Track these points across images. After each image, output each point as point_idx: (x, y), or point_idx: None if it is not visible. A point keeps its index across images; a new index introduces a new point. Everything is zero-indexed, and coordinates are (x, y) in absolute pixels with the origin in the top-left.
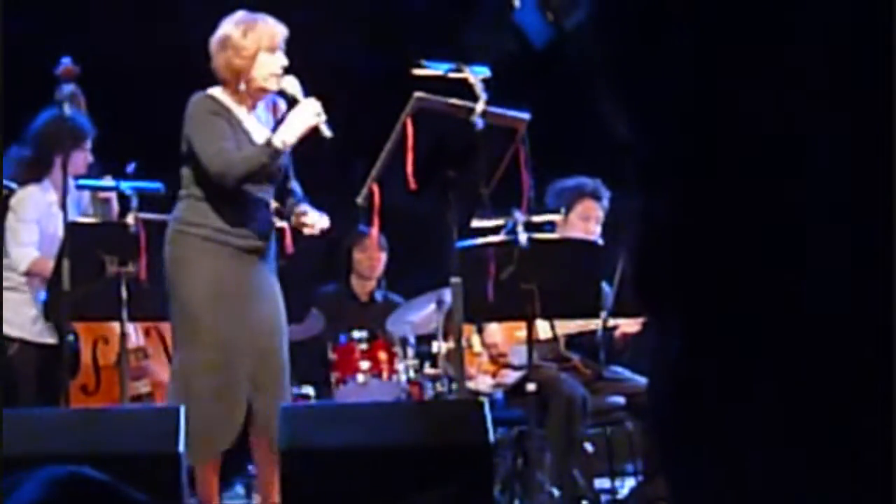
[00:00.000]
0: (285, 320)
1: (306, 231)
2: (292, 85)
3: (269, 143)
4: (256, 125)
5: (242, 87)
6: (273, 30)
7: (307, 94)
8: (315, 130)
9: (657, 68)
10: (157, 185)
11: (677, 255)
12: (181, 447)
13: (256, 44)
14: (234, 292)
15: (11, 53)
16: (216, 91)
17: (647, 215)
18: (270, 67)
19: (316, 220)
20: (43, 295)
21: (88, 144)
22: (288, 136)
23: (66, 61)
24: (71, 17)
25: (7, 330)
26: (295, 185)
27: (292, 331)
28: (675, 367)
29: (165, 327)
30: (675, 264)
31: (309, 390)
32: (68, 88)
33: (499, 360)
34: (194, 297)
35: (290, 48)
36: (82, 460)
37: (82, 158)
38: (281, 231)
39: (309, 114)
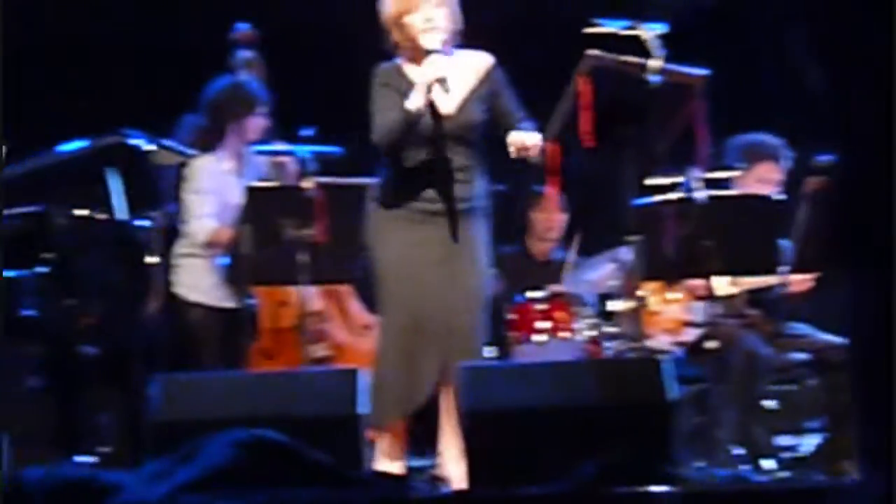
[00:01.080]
0: (484, 281)
1: (524, 154)
2: (430, 42)
3: (404, 109)
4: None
5: (406, 51)
6: None
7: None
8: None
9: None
10: (335, 148)
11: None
12: (359, 409)
13: (396, 8)
14: (422, 257)
15: (188, 21)
16: (398, 59)
17: (849, 169)
18: (415, 28)
19: (524, 141)
20: (224, 260)
21: (263, 110)
22: (415, 97)
23: (244, 27)
24: None
25: (189, 295)
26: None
27: None
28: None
29: (344, 290)
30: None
31: (488, 351)
32: (245, 54)
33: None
34: (382, 263)
35: (465, 8)
36: (263, 423)
37: (257, 125)
38: None
39: (427, 75)
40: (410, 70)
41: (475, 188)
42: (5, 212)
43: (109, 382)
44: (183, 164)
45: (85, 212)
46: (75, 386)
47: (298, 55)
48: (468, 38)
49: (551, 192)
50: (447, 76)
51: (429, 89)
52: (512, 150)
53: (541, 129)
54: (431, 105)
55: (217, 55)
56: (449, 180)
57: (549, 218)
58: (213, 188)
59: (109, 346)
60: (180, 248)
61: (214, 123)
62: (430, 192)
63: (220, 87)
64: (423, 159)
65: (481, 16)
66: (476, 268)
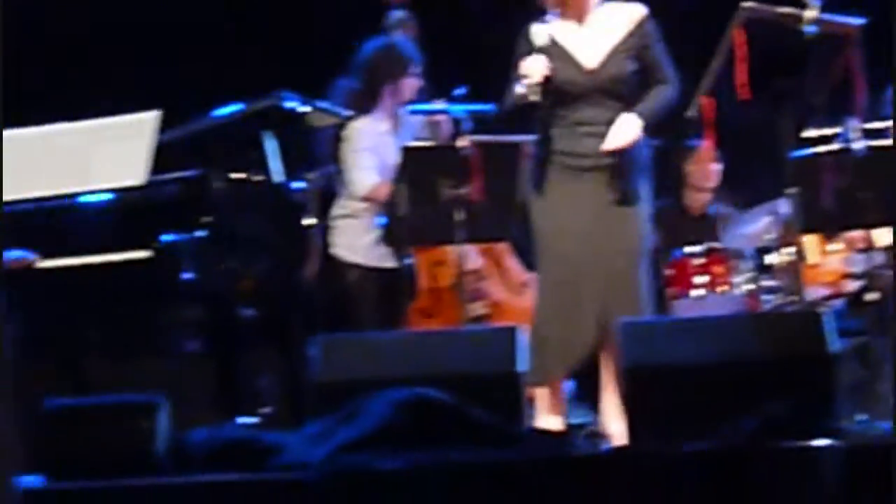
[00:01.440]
0: (640, 239)
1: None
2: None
3: (515, 92)
4: (582, 41)
5: (553, 10)
6: None
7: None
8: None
9: None
10: (489, 106)
11: None
12: (519, 367)
13: None
14: (578, 212)
15: None
16: (549, 17)
17: None
18: None
19: (618, 136)
20: (381, 220)
21: (417, 69)
22: (519, 88)
23: None
24: None
25: (347, 256)
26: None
27: None
28: None
29: (502, 249)
30: None
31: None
32: (398, 15)
33: None
34: (539, 219)
35: None
36: (423, 382)
37: (411, 85)
38: None
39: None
40: (557, 27)
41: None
42: (164, 176)
43: (269, 344)
44: (340, 126)
45: (242, 175)
46: (235, 348)
47: (451, 13)
48: None
49: (707, 144)
50: (541, 82)
51: (526, 93)
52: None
53: (693, 82)
54: (569, 59)
55: (369, 16)
56: (600, 135)
57: (705, 169)
58: (372, 148)
59: (268, 308)
60: (338, 209)
61: (369, 85)
62: (582, 148)
63: (374, 49)
64: (573, 115)
65: None
66: (632, 221)
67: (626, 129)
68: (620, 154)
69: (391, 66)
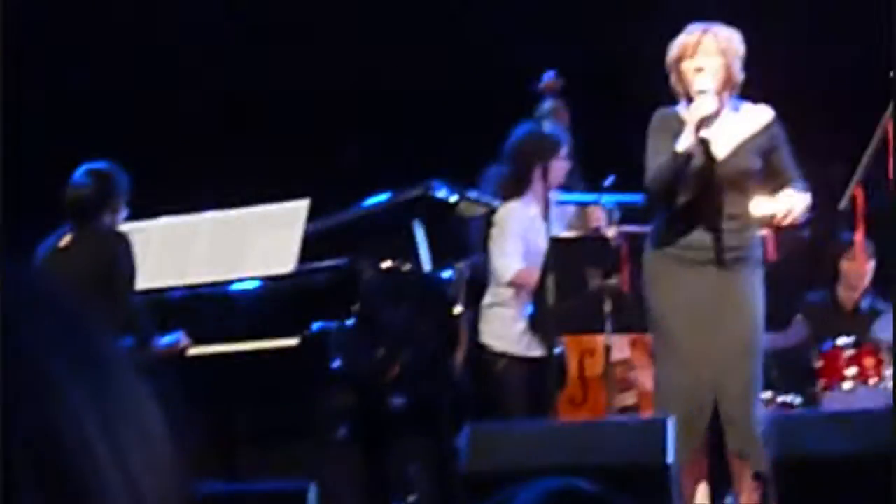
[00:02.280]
0: (756, 330)
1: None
2: (700, 83)
3: (673, 151)
4: (711, 132)
5: (683, 97)
6: (685, 38)
7: (779, 98)
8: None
9: None
10: (637, 196)
11: None
12: (669, 458)
13: (676, 53)
14: (694, 305)
15: (490, 60)
16: (678, 105)
17: None
18: (689, 73)
19: (784, 207)
20: (529, 308)
21: (565, 152)
22: (684, 139)
23: (550, 75)
24: (555, 27)
25: (496, 345)
26: (791, 186)
27: (775, 338)
28: None
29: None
30: None
31: (794, 398)
32: (550, 103)
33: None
34: (656, 310)
35: (766, 55)
36: (571, 472)
37: (560, 168)
38: (763, 237)
39: (692, 113)
40: (686, 115)
41: (747, 237)
42: (314, 265)
43: (417, 432)
44: (490, 213)
45: (391, 264)
46: (384, 436)
47: (600, 101)
48: (757, 97)
49: (859, 239)
50: (714, 115)
51: (696, 129)
52: (779, 211)
53: (842, 175)
54: (704, 146)
55: (518, 103)
56: (720, 228)
57: (860, 267)
58: (521, 232)
59: (417, 396)
60: (488, 297)
61: (518, 169)
62: (700, 240)
63: (523, 133)
64: (693, 205)
65: (776, 74)
66: (745, 318)
67: (799, 200)
68: (734, 248)
69: (539, 148)
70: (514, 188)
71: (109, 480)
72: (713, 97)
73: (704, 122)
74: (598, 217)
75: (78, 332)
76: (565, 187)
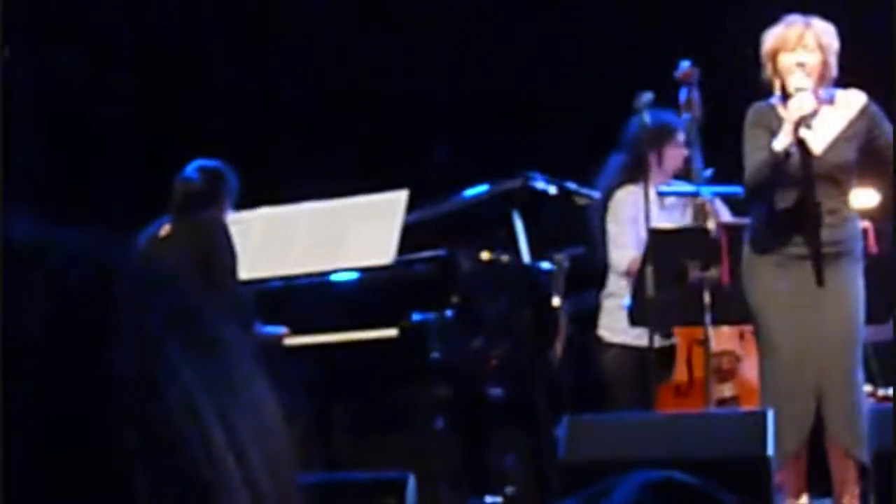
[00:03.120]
0: (856, 324)
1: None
2: (797, 81)
3: (771, 149)
4: (815, 126)
5: (779, 91)
6: (784, 30)
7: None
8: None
9: None
10: (736, 188)
11: None
12: (769, 451)
13: (773, 45)
14: (793, 300)
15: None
16: (773, 98)
17: None
18: (786, 67)
19: None
20: (628, 301)
21: (681, 139)
22: (782, 137)
23: (686, 65)
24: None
25: (608, 336)
26: None
27: (876, 331)
28: None
29: None
30: None
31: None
32: (685, 93)
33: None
34: (756, 306)
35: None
36: (670, 465)
37: (676, 155)
38: (864, 230)
39: (791, 111)
40: (783, 110)
41: (846, 231)
42: (413, 256)
43: (515, 423)
44: (608, 196)
45: (490, 255)
46: (481, 427)
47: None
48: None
49: None
50: (812, 114)
51: (795, 128)
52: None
53: None
54: (801, 144)
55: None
56: (818, 223)
57: None
58: (636, 217)
59: (516, 387)
60: (606, 288)
61: (634, 155)
62: (798, 236)
63: (639, 120)
64: (792, 201)
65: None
66: (845, 313)
67: None
68: (833, 243)
69: (655, 134)
70: (631, 175)
71: (229, 473)
72: (812, 95)
73: (804, 121)
74: (717, 211)
75: (194, 316)
76: (684, 171)
